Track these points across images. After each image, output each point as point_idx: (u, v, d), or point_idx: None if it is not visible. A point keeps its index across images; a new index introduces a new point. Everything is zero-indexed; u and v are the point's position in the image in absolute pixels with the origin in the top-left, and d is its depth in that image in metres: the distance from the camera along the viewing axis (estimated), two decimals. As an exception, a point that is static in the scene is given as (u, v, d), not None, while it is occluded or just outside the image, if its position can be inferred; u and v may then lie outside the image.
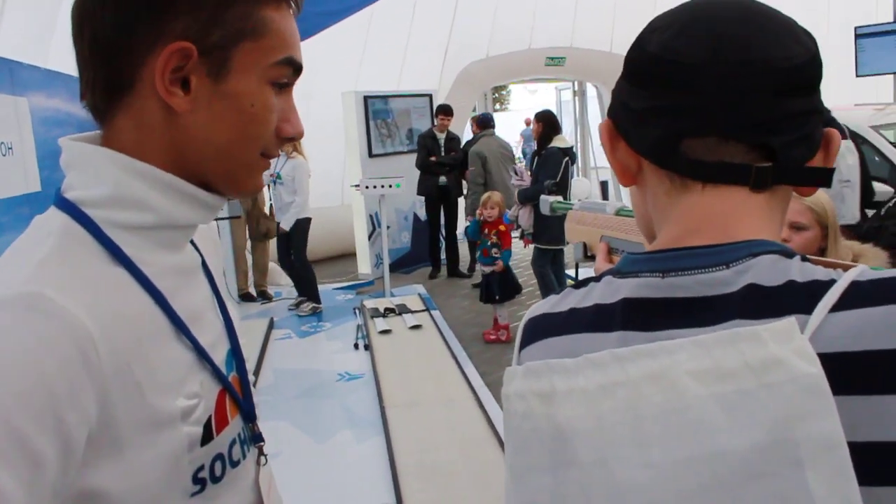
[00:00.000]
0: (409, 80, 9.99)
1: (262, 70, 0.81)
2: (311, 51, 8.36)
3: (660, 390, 0.59)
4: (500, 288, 6.12)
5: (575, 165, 6.53)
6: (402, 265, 8.96)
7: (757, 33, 0.65)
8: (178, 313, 0.81)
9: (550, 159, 6.08)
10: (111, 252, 0.76)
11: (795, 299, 0.59)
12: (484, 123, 8.57)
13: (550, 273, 6.28)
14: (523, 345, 0.78)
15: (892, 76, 9.02)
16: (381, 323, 6.37)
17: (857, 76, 8.82)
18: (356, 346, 5.98)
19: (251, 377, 1.22)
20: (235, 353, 0.95)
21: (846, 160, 3.75)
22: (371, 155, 8.63)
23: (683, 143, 0.67)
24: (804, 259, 0.64)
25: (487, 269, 6.16)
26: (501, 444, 3.40)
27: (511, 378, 0.70)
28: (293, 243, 6.83)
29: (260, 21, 0.80)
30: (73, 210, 0.77)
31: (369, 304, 7.01)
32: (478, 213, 6.15)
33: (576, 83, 12.71)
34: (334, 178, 9.55)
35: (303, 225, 6.77)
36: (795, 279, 0.61)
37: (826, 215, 2.10)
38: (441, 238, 8.83)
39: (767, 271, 0.62)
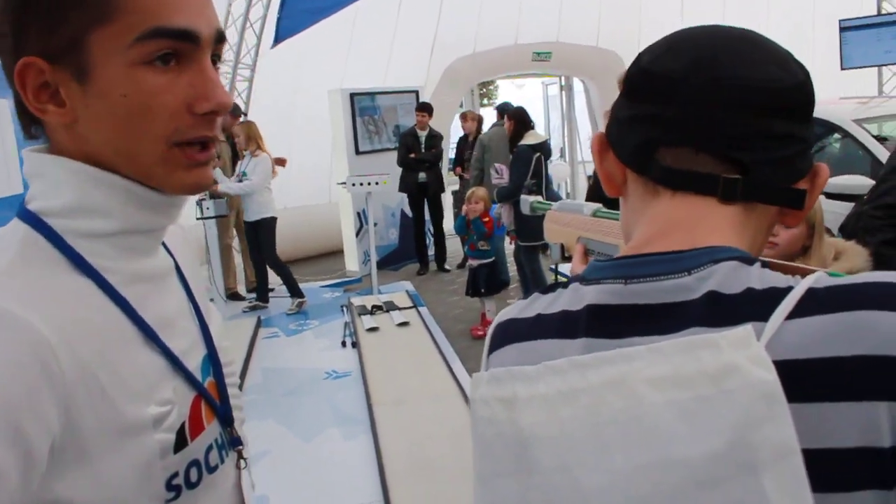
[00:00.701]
0: (396, 77, 9.96)
1: (124, 53, 0.73)
2: (297, 48, 8.35)
3: (619, 397, 0.60)
4: (487, 281, 6.13)
5: (550, 160, 6.53)
6: (389, 262, 8.96)
7: (737, 55, 0.68)
8: (146, 320, 0.80)
9: (521, 157, 6.16)
10: (73, 261, 0.76)
11: (753, 307, 0.60)
12: (503, 113, 8.30)
13: (541, 269, 6.36)
14: (491, 349, 0.79)
15: (876, 69, 9.10)
16: (368, 320, 6.37)
17: (843, 69, 8.89)
18: (343, 343, 5.97)
19: (233, 380, 1.22)
20: (212, 357, 0.95)
21: None
22: (358, 152, 8.62)
23: (659, 152, 0.69)
24: (764, 265, 0.65)
25: (475, 263, 6.16)
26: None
27: (477, 384, 0.72)
28: (261, 244, 6.80)
29: (105, 3, 0.72)
30: (34, 221, 0.77)
31: (357, 301, 7.01)
32: (463, 209, 6.16)
33: (563, 78, 12.70)
34: (322, 176, 9.53)
35: (268, 223, 6.75)
36: (754, 286, 0.62)
37: (814, 214, 2.12)
38: (429, 234, 8.84)
39: (727, 278, 0.63)
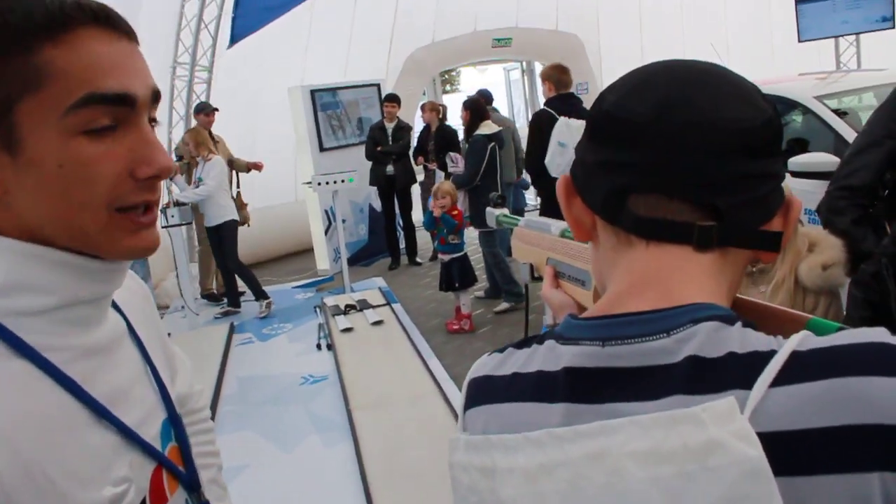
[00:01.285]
0: (356, 70, 9.87)
1: (57, 123, 0.70)
2: (254, 48, 8.28)
3: (601, 471, 0.58)
4: (460, 274, 6.11)
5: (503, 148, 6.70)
6: (360, 258, 8.90)
7: (704, 94, 0.65)
8: (96, 397, 0.76)
9: (475, 147, 6.40)
10: (10, 344, 0.71)
11: (736, 373, 0.58)
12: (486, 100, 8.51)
13: (500, 253, 6.53)
14: (467, 406, 0.76)
15: (832, 41, 9.19)
16: (342, 321, 6.31)
17: (800, 41, 8.98)
18: (318, 346, 5.92)
19: (206, 426, 1.19)
20: (173, 420, 0.91)
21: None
22: (322, 149, 8.53)
23: (630, 200, 0.67)
24: (746, 324, 0.62)
25: (446, 258, 6.14)
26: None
27: (454, 448, 0.71)
28: (223, 248, 6.74)
29: (33, 70, 0.68)
30: None
31: (329, 301, 6.94)
32: (430, 205, 6.15)
33: (524, 62, 12.70)
34: (287, 175, 9.43)
35: (229, 227, 6.70)
36: (736, 350, 0.59)
37: None
38: (399, 227, 8.80)
39: (708, 340, 0.60)
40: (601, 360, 0.65)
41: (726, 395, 0.56)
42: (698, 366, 0.59)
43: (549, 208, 5.33)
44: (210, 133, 7.17)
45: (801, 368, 0.56)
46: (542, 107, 5.67)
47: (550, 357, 0.69)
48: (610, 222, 0.69)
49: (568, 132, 5.02)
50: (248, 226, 7.56)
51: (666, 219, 0.66)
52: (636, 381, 0.62)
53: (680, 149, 0.64)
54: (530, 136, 5.48)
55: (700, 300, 0.64)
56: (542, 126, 5.26)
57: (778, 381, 0.56)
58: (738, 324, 0.62)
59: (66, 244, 0.75)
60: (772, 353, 0.58)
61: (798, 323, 0.68)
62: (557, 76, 5.49)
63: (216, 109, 7.47)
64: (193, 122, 7.76)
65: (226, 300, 7.30)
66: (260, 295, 6.97)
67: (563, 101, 5.40)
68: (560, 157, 5.07)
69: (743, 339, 0.60)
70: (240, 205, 7.43)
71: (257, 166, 7.70)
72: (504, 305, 6.56)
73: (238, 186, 7.61)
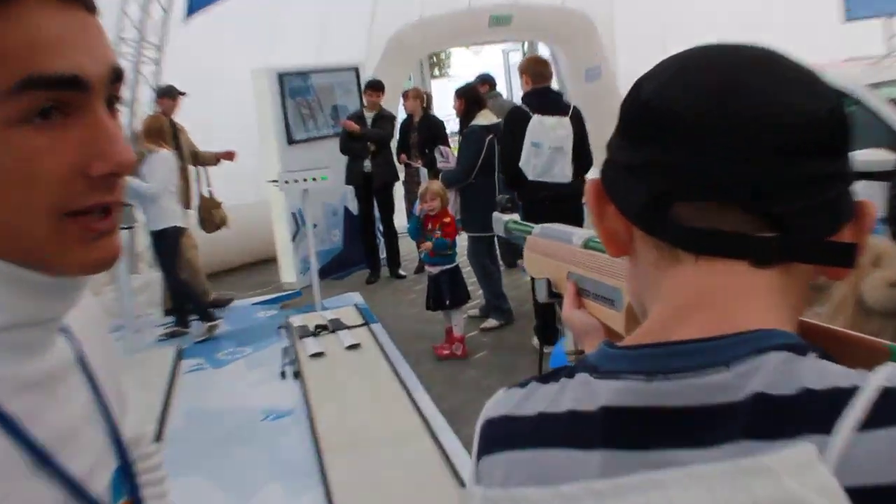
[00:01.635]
0: (332, 51, 9.93)
1: None
2: (214, 22, 8.24)
3: None
4: (451, 290, 6.07)
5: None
6: (333, 270, 8.93)
7: (760, 81, 0.66)
8: (37, 440, 0.74)
9: (471, 138, 6.51)
10: None
11: (813, 414, 0.57)
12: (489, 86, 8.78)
13: (490, 264, 6.68)
14: (482, 453, 0.75)
15: (879, 21, 9.16)
16: (311, 344, 6.31)
17: (847, 21, 8.96)
18: (283, 374, 5.91)
19: (158, 475, 1.13)
20: (126, 471, 0.90)
21: (557, 132, 5.36)
22: (291, 142, 8.56)
23: (675, 208, 0.67)
24: (824, 356, 0.61)
25: (435, 270, 6.12)
26: (462, 486, 3.33)
27: (467, 502, 0.70)
28: (160, 258, 6.75)
29: None
30: None
31: (296, 320, 6.94)
32: (417, 209, 6.11)
33: (525, 43, 12.72)
34: (248, 171, 9.37)
35: (171, 235, 6.69)
36: (812, 386, 0.58)
37: None
38: (379, 234, 8.77)
39: (777, 375, 0.59)
40: (647, 397, 0.64)
41: (802, 440, 0.55)
42: (766, 405, 0.58)
43: (531, 214, 5.36)
44: (172, 121, 7.10)
45: (893, 409, 0.55)
46: (517, 103, 6.04)
47: (585, 393, 0.68)
48: (650, 234, 0.70)
49: (542, 130, 5.36)
50: (228, 227, 7.72)
51: (718, 229, 0.66)
52: (690, 423, 0.61)
53: (732, 146, 0.64)
54: (503, 136, 5.73)
55: (762, 326, 0.63)
56: (514, 126, 5.52)
57: (865, 425, 0.55)
58: (812, 354, 0.61)
59: (9, 256, 0.73)
60: (854, 390, 0.57)
61: (878, 351, 0.67)
62: (534, 68, 5.75)
63: (183, 93, 7.48)
64: (143, 110, 7.71)
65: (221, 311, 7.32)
66: (205, 315, 6.95)
67: (539, 96, 5.61)
68: (535, 157, 5.41)
69: (821, 373, 0.59)
70: (213, 205, 7.61)
71: (229, 155, 7.76)
72: (492, 322, 6.61)
73: (209, 185, 7.72)
